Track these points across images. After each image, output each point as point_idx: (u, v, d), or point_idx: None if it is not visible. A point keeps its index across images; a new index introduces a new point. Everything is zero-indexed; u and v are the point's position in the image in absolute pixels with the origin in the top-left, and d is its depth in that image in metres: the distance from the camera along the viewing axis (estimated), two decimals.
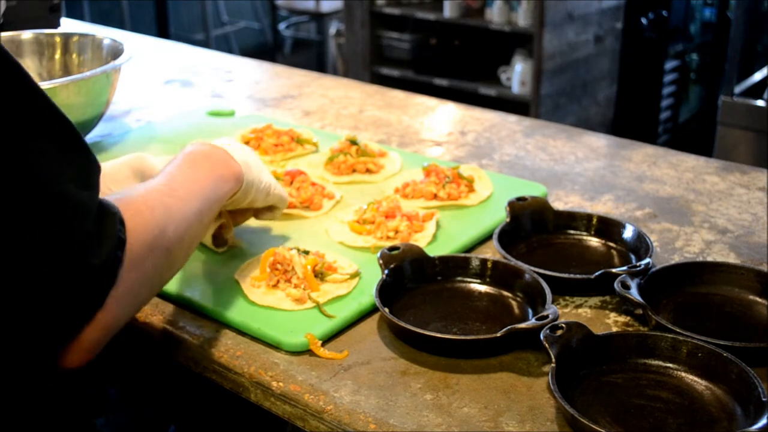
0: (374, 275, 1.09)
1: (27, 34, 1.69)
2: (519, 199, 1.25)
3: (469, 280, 1.12)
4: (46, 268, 0.74)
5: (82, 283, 0.76)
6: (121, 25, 5.33)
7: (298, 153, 1.53)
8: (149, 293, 0.90)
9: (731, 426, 0.86)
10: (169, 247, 0.88)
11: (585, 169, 1.51)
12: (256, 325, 1.02)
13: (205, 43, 5.69)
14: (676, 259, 1.19)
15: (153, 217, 0.86)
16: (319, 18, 5.71)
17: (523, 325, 0.96)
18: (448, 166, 1.40)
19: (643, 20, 4.19)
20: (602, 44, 4.11)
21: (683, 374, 0.93)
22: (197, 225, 0.96)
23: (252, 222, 1.21)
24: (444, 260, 1.13)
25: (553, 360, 0.90)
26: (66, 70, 1.69)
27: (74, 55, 1.70)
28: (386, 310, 1.00)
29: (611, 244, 1.21)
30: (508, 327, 0.96)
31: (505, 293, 1.09)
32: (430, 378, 0.94)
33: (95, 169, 0.82)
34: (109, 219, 0.79)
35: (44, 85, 1.49)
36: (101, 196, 0.81)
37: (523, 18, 3.87)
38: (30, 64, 1.69)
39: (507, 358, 0.97)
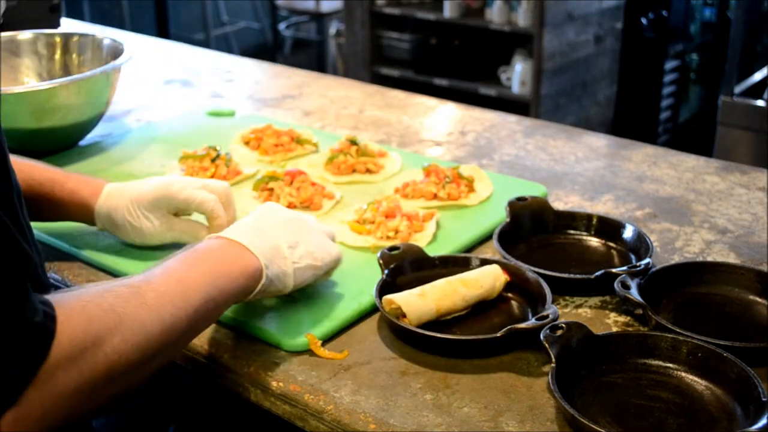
0: (374, 275, 1.09)
1: (27, 34, 1.69)
2: (519, 199, 1.25)
3: None
4: None
5: None
6: (121, 25, 5.33)
7: (298, 153, 1.53)
8: (70, 414, 0.76)
9: (731, 426, 0.86)
10: (108, 361, 0.78)
11: (585, 169, 1.51)
12: (256, 324, 1.02)
13: (205, 43, 5.69)
14: (676, 259, 1.19)
15: (87, 325, 0.77)
16: (319, 18, 5.70)
17: (523, 325, 0.96)
18: (448, 166, 1.40)
19: (643, 20, 4.19)
20: (602, 44, 4.11)
21: (683, 374, 0.93)
22: (168, 333, 0.85)
23: None
24: (444, 260, 1.13)
25: (553, 360, 0.90)
26: (66, 70, 1.70)
27: (74, 55, 1.70)
28: (386, 310, 1.01)
29: (611, 244, 1.21)
30: (508, 327, 0.96)
31: (505, 293, 1.09)
32: (430, 378, 0.94)
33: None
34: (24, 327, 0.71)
35: (44, 85, 1.49)
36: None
37: (523, 18, 3.87)
38: (30, 64, 1.69)
39: (507, 358, 0.97)
